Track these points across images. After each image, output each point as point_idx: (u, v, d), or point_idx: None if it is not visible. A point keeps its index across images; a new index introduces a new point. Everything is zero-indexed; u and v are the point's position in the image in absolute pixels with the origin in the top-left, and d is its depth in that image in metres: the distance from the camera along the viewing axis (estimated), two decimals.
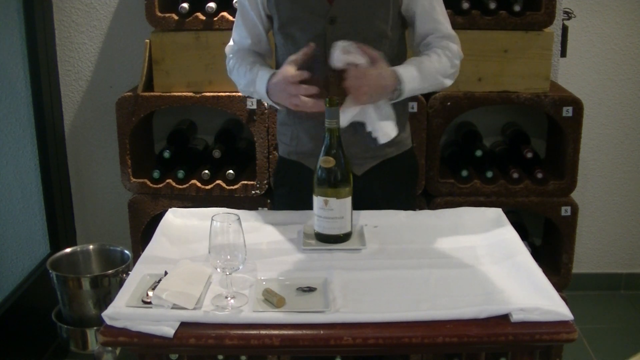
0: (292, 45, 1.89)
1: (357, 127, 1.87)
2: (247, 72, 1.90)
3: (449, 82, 1.90)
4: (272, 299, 1.44)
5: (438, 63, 1.85)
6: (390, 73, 1.78)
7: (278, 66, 1.98)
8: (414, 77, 1.81)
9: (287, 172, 2.06)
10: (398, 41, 1.93)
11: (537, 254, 2.79)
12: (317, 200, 1.69)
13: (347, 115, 1.78)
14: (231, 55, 2.00)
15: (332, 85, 1.85)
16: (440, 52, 1.87)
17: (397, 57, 1.94)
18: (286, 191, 2.08)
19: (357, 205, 1.79)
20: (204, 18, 2.57)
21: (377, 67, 1.75)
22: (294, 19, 1.87)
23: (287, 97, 1.77)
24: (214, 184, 2.66)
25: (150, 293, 1.46)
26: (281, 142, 2.05)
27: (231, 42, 2.02)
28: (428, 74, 1.83)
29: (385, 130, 1.84)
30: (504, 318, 1.41)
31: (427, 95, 2.57)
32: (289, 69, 1.76)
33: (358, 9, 1.84)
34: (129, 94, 2.65)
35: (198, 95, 2.62)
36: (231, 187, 2.66)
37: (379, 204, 1.93)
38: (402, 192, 2.07)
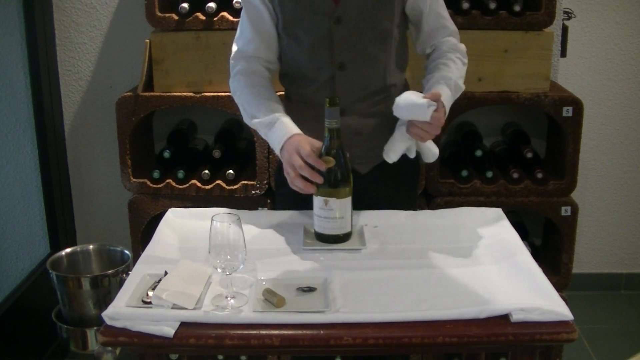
0: (296, 46, 1.87)
1: (360, 128, 1.87)
2: (265, 111, 1.81)
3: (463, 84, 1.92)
4: (272, 299, 1.44)
5: (457, 70, 1.87)
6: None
7: (284, 67, 1.96)
8: (448, 97, 1.82)
9: None
10: (401, 39, 1.92)
11: (537, 254, 2.79)
12: (317, 200, 1.69)
13: (397, 153, 1.82)
14: (240, 76, 1.89)
15: (335, 85, 1.85)
16: (453, 56, 1.88)
17: (400, 55, 1.94)
18: (287, 191, 2.07)
19: (358, 205, 1.79)
20: (204, 18, 2.56)
21: (440, 107, 1.72)
22: (298, 19, 1.84)
23: (289, 166, 1.69)
24: (214, 184, 2.66)
25: (150, 293, 1.46)
26: None
27: (236, 52, 1.91)
28: (455, 86, 1.85)
29: (433, 150, 1.86)
30: (504, 318, 1.41)
31: None
32: (307, 147, 1.67)
33: (364, 9, 1.82)
34: (129, 94, 2.65)
35: (198, 95, 2.62)
36: (231, 187, 2.66)
37: (380, 204, 1.93)
38: (403, 192, 2.06)
